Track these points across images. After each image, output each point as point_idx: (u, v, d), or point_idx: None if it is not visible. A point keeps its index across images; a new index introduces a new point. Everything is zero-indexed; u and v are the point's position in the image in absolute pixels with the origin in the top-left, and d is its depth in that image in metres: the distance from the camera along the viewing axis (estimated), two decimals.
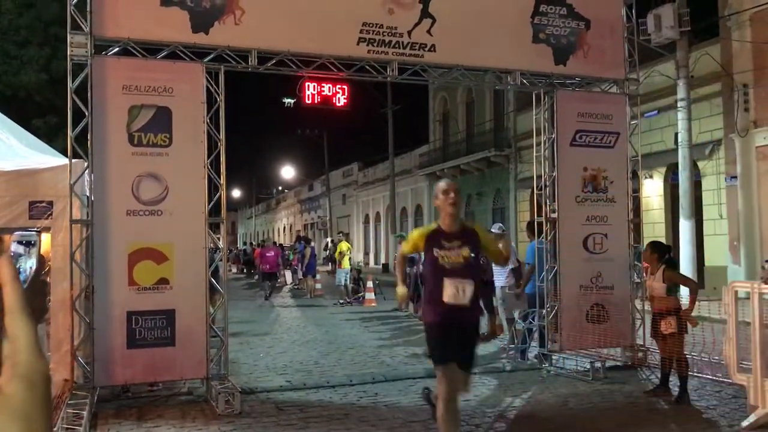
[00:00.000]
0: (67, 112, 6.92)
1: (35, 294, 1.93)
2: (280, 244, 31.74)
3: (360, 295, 19.34)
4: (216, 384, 7.06)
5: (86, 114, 6.90)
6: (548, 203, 9.34)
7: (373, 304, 18.31)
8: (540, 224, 9.50)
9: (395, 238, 21.68)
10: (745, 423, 6.10)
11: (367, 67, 8.23)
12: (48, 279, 6.87)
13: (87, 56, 6.91)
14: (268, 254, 21.52)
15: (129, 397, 7.33)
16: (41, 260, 7.01)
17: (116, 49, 7.26)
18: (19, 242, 6.74)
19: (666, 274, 7.36)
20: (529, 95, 10.21)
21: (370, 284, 19.21)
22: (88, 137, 6.91)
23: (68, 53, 6.89)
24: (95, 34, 6.95)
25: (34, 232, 6.89)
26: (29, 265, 6.88)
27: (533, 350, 9.48)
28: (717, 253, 18.00)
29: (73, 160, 6.90)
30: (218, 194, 7.56)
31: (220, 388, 6.86)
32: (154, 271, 7.11)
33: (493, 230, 11.55)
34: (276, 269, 21.82)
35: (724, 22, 17.58)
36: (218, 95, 7.51)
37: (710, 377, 7.92)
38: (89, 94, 6.92)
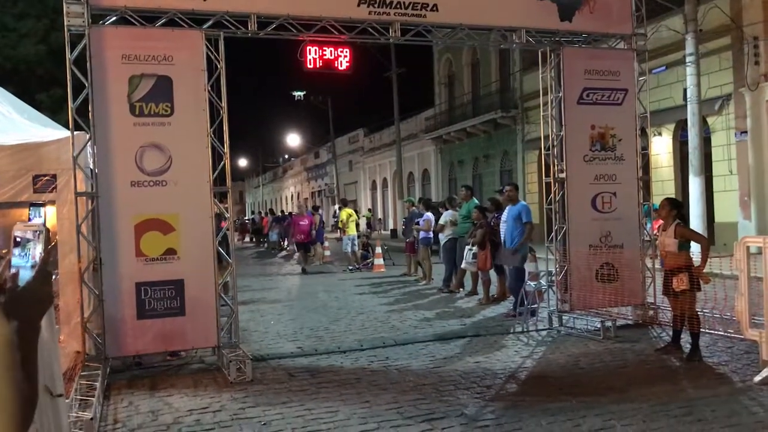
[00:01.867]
0: (67, 84, 6.84)
1: (41, 283, 1.93)
2: (314, 207, 28.91)
3: (369, 261, 19.38)
4: (227, 352, 7.09)
5: (86, 85, 6.83)
6: (556, 163, 9.25)
7: (382, 270, 18.35)
8: (548, 184, 9.44)
9: (404, 203, 21.58)
10: (757, 378, 6.08)
11: (369, 29, 8.09)
12: (54, 269, 6.84)
13: (84, 26, 6.81)
14: (301, 222, 19.61)
15: (141, 368, 7.37)
16: (47, 249, 6.97)
17: (114, 18, 7.15)
18: (29, 226, 6.71)
19: (678, 230, 7.29)
20: (535, 54, 10.04)
21: (379, 250, 19.23)
22: (89, 109, 6.85)
23: (65, 23, 6.79)
24: (91, 3, 6.83)
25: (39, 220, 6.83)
26: (38, 251, 6.87)
27: (543, 311, 9.47)
28: (727, 209, 17.87)
29: (76, 133, 6.84)
30: (222, 163, 7.49)
31: (231, 356, 6.89)
32: (161, 241, 7.09)
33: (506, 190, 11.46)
34: (310, 238, 19.87)
35: None
36: (218, 62, 7.41)
37: (722, 333, 7.90)
38: (88, 65, 6.84)
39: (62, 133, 7.35)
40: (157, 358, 7.53)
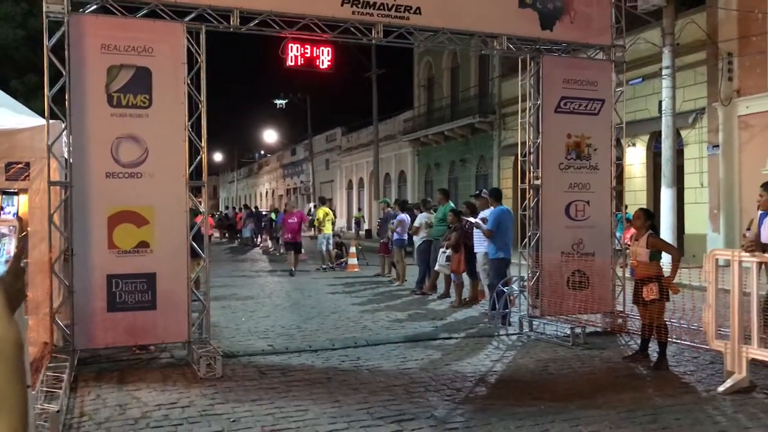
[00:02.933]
0: (44, 71, 6.75)
1: (15, 278, 1.90)
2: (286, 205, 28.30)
3: (343, 260, 19.36)
4: (197, 348, 7.05)
5: (63, 73, 6.74)
6: (532, 170, 9.33)
7: (356, 270, 18.35)
8: (523, 191, 9.53)
9: (379, 204, 21.57)
10: (721, 388, 6.19)
11: (352, 29, 8.10)
12: (26, 262, 6.75)
13: (64, 13, 6.73)
14: (290, 220, 18.06)
15: (110, 360, 7.30)
16: (20, 243, 6.86)
17: (94, 7, 7.07)
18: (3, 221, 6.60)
19: (650, 240, 7.40)
20: (515, 61, 10.13)
21: (353, 249, 19.22)
22: (66, 97, 6.76)
23: (44, 9, 6.69)
24: None
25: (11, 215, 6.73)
26: (12, 246, 6.76)
27: (514, 315, 9.55)
28: (697, 221, 18.16)
29: (51, 121, 6.76)
30: (199, 157, 7.45)
31: (201, 352, 6.85)
32: (134, 234, 7.03)
33: (483, 196, 11.55)
34: (300, 238, 18.32)
35: None
36: (199, 56, 7.36)
37: (688, 343, 8.03)
38: (66, 53, 6.75)
39: (37, 120, 7.25)
40: (124, 350, 7.46)
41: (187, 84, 7.25)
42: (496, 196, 10.65)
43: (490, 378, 6.89)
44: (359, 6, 7.94)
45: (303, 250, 19.40)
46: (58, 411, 5.13)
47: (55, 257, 6.79)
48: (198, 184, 7.70)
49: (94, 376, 6.70)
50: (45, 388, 5.65)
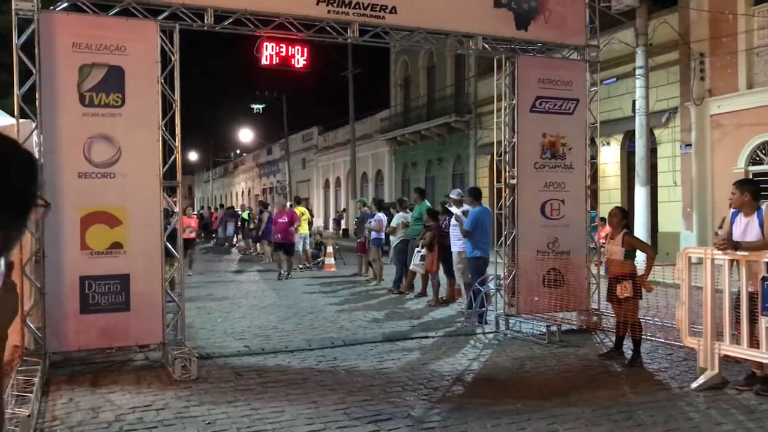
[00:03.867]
0: (14, 70, 6.63)
1: (8, 292, 1.86)
2: (262, 203, 27.25)
3: (320, 260, 19.30)
4: (172, 349, 6.98)
5: (34, 72, 6.63)
6: (507, 169, 9.37)
7: (333, 269, 18.31)
8: (499, 190, 9.57)
9: (356, 203, 21.52)
10: (694, 385, 6.27)
11: (328, 28, 8.07)
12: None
13: (33, 11, 6.62)
14: (280, 220, 16.62)
15: (83, 363, 7.20)
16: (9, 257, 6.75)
17: (65, 4, 6.96)
18: None
19: (626, 238, 7.47)
20: (491, 61, 10.16)
21: (330, 249, 19.17)
22: (36, 96, 6.65)
23: (13, 6, 6.58)
24: None
25: None
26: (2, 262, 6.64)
27: (491, 314, 9.59)
28: (671, 219, 18.37)
29: (21, 120, 6.65)
30: (173, 157, 7.37)
31: (176, 354, 6.78)
32: (107, 235, 6.95)
33: (452, 195, 11.62)
34: (292, 239, 16.75)
35: None
36: (173, 54, 7.29)
37: (662, 340, 8.12)
38: (37, 51, 6.64)
39: (6, 120, 7.13)
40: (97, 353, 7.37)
41: (161, 83, 7.17)
42: (476, 195, 10.67)
43: (466, 377, 6.90)
44: (335, 5, 7.91)
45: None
46: (28, 415, 5.04)
47: (26, 259, 6.68)
48: (172, 184, 7.62)
49: (66, 379, 6.60)
50: (15, 392, 5.55)
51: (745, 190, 6.23)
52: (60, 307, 6.75)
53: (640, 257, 7.63)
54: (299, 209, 19.74)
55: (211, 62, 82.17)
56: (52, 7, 6.91)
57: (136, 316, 7.04)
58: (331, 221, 37.51)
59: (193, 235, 17.23)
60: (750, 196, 6.19)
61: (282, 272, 16.13)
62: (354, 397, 6.06)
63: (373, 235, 15.15)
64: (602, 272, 9.44)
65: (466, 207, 10.72)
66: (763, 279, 5.84)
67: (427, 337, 8.85)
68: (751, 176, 15.54)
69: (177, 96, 7.31)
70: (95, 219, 6.90)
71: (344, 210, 39.76)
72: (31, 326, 6.76)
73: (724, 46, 16.61)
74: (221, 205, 41.51)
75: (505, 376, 6.90)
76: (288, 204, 20.76)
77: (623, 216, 7.69)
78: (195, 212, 26.82)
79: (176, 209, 8.32)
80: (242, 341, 8.68)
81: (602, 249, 8.09)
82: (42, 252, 6.70)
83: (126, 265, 7.01)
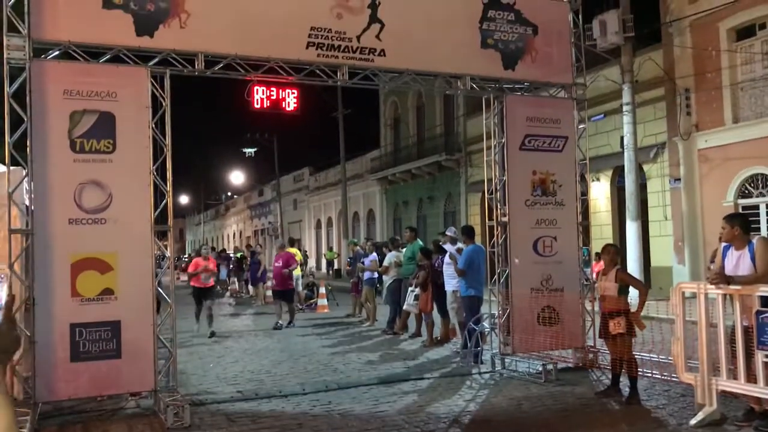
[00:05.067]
0: (5, 118, 6.64)
1: (9, 326, 1.86)
2: (249, 246, 27.44)
3: (312, 301, 19.17)
4: (164, 396, 6.87)
5: (25, 120, 6.65)
6: (499, 207, 9.40)
7: (326, 311, 18.18)
8: (491, 227, 9.57)
9: (348, 245, 21.44)
10: (693, 421, 6.21)
11: (317, 71, 8.16)
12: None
13: (25, 59, 6.67)
14: (276, 264, 14.88)
15: (73, 412, 7.06)
16: (11, 294, 6.70)
17: (56, 53, 7.02)
18: None
19: (619, 274, 7.48)
20: (479, 100, 10.27)
21: (322, 290, 19.07)
22: (27, 144, 6.66)
23: (5, 56, 6.62)
24: (33, 37, 6.71)
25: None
26: (3, 294, 6.61)
27: (486, 353, 9.51)
28: (662, 253, 18.42)
29: (12, 168, 6.64)
30: (165, 201, 7.36)
31: (168, 401, 6.68)
32: (98, 281, 6.89)
33: (447, 233, 11.62)
34: (291, 285, 15.21)
35: (666, 29, 18.03)
36: (164, 100, 7.33)
37: (659, 376, 8.06)
38: (28, 99, 6.66)
39: None
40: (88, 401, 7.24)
41: (152, 128, 7.20)
42: (469, 233, 10.65)
43: (463, 418, 6.81)
44: (324, 49, 8.01)
45: (270, 292, 18.15)
46: None
47: (16, 307, 6.60)
48: (163, 229, 7.60)
49: (56, 430, 6.48)
50: None
51: (735, 224, 6.26)
52: (50, 355, 6.65)
53: (634, 293, 7.62)
54: (292, 250, 19.67)
55: (202, 106, 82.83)
56: (43, 56, 6.95)
57: (128, 364, 6.94)
58: (323, 263, 37.27)
59: (211, 282, 13.89)
60: (740, 229, 6.21)
61: (280, 322, 14.39)
62: None
63: (366, 275, 15.09)
64: (597, 308, 9.41)
65: (460, 245, 10.71)
66: (758, 313, 5.83)
67: (422, 379, 8.76)
68: (740, 209, 15.67)
69: (168, 141, 7.33)
70: (86, 265, 6.85)
71: (331, 249, 39.61)
72: (21, 376, 6.65)
73: (709, 81, 16.87)
74: (212, 248, 41.37)
75: (503, 417, 6.82)
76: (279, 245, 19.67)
77: (616, 252, 7.71)
78: (185, 256, 26.27)
79: (167, 253, 8.28)
80: (235, 386, 8.56)
81: (596, 285, 8.07)
82: (32, 299, 6.63)
83: (117, 312, 6.93)
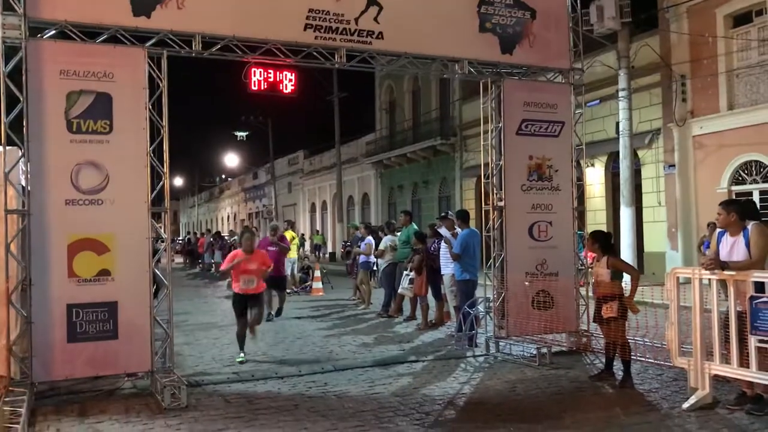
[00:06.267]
0: (0, 98, 6.60)
1: None
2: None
3: (307, 284, 19.22)
4: (161, 377, 6.90)
5: (21, 99, 6.61)
6: (495, 191, 9.42)
7: (321, 293, 18.23)
8: (487, 212, 9.60)
9: (349, 227, 21.43)
10: (685, 405, 6.27)
11: (315, 54, 8.13)
12: None
13: (21, 39, 6.62)
14: (270, 248, 12.73)
15: (70, 392, 7.09)
16: None
17: (52, 32, 6.97)
18: None
19: (610, 260, 7.53)
20: (476, 84, 10.24)
21: (317, 273, 19.11)
22: (24, 124, 6.62)
23: (0, 35, 6.57)
24: (29, 16, 6.66)
25: None
26: None
27: (481, 337, 9.57)
28: (656, 239, 18.52)
29: (8, 148, 6.61)
30: (161, 183, 7.35)
31: (165, 382, 6.71)
32: (94, 262, 6.88)
33: (449, 217, 11.59)
34: (282, 273, 13.63)
35: (663, 14, 18.01)
36: (161, 81, 7.30)
37: (652, 361, 8.13)
38: (24, 79, 6.62)
39: None
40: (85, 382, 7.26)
41: (149, 109, 7.17)
42: (464, 218, 10.70)
43: (458, 401, 6.87)
44: (321, 31, 7.97)
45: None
46: None
47: (12, 287, 6.61)
48: (159, 210, 7.58)
49: (53, 410, 6.50)
50: (2, 424, 5.46)
51: (731, 210, 6.30)
52: (47, 335, 6.66)
53: (627, 278, 7.68)
54: (289, 233, 19.68)
55: (198, 88, 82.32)
56: (39, 35, 6.90)
57: (125, 344, 6.96)
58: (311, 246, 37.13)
59: (259, 287, 9.45)
60: (736, 216, 6.25)
61: (271, 312, 12.86)
62: (346, 423, 6.01)
63: (362, 258, 15.12)
64: (591, 293, 9.47)
65: (457, 230, 10.74)
66: (751, 298, 5.88)
67: (417, 361, 8.81)
68: (734, 196, 15.74)
69: (165, 122, 7.31)
70: (83, 246, 6.84)
71: (318, 232, 39.56)
72: (18, 356, 6.66)
73: (705, 68, 16.89)
74: (208, 231, 41.33)
75: (497, 400, 6.88)
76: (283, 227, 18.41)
77: (604, 239, 7.74)
78: (179, 238, 25.55)
79: (163, 235, 8.28)
80: (231, 368, 8.60)
81: (590, 270, 8.12)
82: (29, 280, 6.63)
83: (114, 293, 6.94)
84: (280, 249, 13.39)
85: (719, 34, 16.52)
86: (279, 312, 13.25)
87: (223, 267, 10.74)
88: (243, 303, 9.17)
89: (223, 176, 69.78)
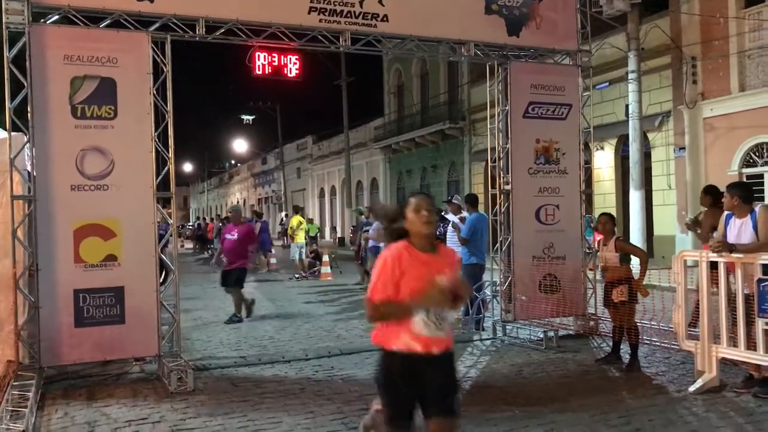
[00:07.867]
0: (5, 83, 6.61)
1: None
2: (257, 212, 25.96)
3: (316, 269, 19.26)
4: (168, 361, 6.94)
5: (25, 85, 6.61)
6: (502, 175, 9.37)
7: (329, 278, 18.27)
8: (494, 196, 9.56)
9: (354, 213, 21.45)
10: (692, 388, 6.25)
11: (319, 37, 8.08)
12: None
13: (24, 24, 6.61)
14: (228, 236, 11.42)
15: (78, 377, 7.14)
16: None
17: (56, 17, 6.95)
18: None
19: (618, 244, 7.48)
20: (483, 67, 10.16)
21: (326, 258, 19.14)
22: (28, 110, 6.63)
23: (3, 20, 6.56)
24: (33, 1, 6.64)
25: None
26: None
27: (488, 320, 9.57)
28: (666, 222, 18.41)
29: (13, 134, 6.63)
30: (166, 168, 7.35)
31: (172, 366, 6.74)
32: (101, 247, 6.91)
33: (454, 201, 11.57)
34: (243, 263, 11.47)
35: None
36: (165, 66, 7.28)
37: (659, 344, 8.10)
38: (28, 64, 6.62)
39: None
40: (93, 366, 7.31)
41: (153, 94, 7.16)
42: (472, 201, 10.61)
43: (464, 384, 6.86)
44: (326, 14, 7.91)
45: (275, 260, 17.37)
46: (23, 430, 5.00)
47: (19, 273, 6.64)
48: (166, 195, 7.59)
49: (61, 394, 6.55)
50: (10, 408, 5.52)
51: (734, 194, 6.25)
52: (54, 320, 6.70)
53: (635, 261, 7.63)
54: (296, 218, 19.72)
55: (205, 73, 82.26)
56: (42, 20, 6.89)
57: (131, 329, 7.00)
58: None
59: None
60: (739, 199, 6.20)
61: (238, 314, 11.20)
62: (351, 406, 6.02)
63: (371, 243, 15.12)
64: (599, 277, 9.43)
65: (464, 214, 10.70)
66: (759, 281, 5.84)
67: None
68: (744, 178, 15.61)
69: (169, 107, 7.29)
70: (89, 231, 6.86)
71: (286, 215, 39.34)
72: (26, 341, 6.71)
73: (716, 49, 16.69)
74: (217, 216, 41.44)
75: (503, 383, 6.87)
76: (284, 214, 18.89)
77: (608, 221, 7.69)
78: (189, 224, 25.47)
79: (170, 220, 8.30)
80: (238, 352, 8.64)
81: (597, 253, 8.08)
82: (36, 265, 6.66)
83: (120, 278, 6.97)
84: (241, 238, 11.27)
85: (731, 15, 16.30)
86: (249, 313, 11.48)
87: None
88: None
89: (233, 162, 69.91)
